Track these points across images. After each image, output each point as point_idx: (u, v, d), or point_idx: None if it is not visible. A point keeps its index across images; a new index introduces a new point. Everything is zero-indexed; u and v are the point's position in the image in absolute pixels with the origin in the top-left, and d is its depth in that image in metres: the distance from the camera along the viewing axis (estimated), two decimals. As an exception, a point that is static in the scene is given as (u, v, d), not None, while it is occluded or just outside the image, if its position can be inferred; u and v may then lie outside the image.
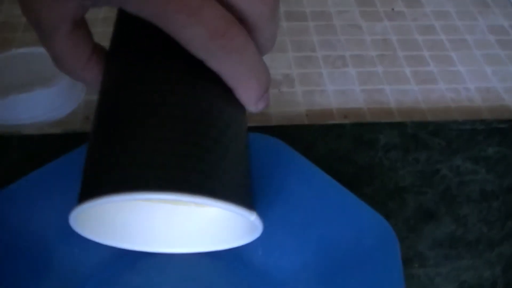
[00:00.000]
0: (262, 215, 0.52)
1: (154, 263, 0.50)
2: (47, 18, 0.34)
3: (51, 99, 0.67)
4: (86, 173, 0.40)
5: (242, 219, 0.41)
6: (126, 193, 0.35)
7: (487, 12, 0.87)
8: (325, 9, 0.86)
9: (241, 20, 0.34)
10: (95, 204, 0.37)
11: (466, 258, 0.54)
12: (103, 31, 0.50)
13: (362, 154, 0.63)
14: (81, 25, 0.36)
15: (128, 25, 0.40)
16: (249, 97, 0.38)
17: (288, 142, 0.56)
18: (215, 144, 0.40)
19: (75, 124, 0.67)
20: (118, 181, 0.36)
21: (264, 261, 0.51)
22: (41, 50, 0.70)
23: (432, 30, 0.84)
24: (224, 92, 0.40)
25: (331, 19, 0.84)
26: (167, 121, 0.37)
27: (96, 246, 0.49)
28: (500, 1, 0.90)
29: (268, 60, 0.76)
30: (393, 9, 0.87)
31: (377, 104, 0.71)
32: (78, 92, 0.70)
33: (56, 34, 0.35)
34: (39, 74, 0.68)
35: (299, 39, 0.81)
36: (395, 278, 0.46)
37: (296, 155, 0.54)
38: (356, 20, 0.84)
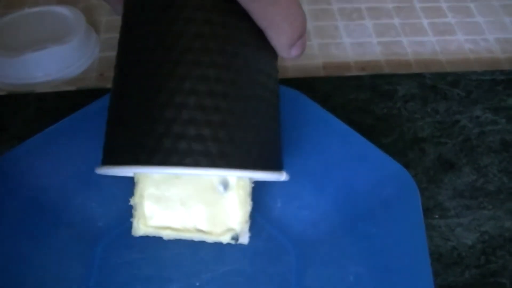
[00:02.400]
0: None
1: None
2: None
3: (65, 57, 0.67)
4: (119, 130, 0.40)
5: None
6: (173, 167, 0.38)
7: (506, -38, 0.86)
8: (340, -39, 0.84)
9: None
10: (140, 170, 0.40)
11: (487, 208, 0.54)
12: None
13: (380, 105, 0.62)
14: None
15: None
16: (281, 41, 0.37)
17: (305, 94, 0.55)
18: (243, 105, 0.40)
19: (89, 81, 0.66)
20: (166, 154, 0.38)
21: (283, 212, 0.51)
22: (53, 9, 0.70)
23: (450, -19, 0.82)
24: (255, 36, 0.40)
25: (346, -29, 0.83)
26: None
27: (113, 201, 0.50)
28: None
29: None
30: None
31: (394, 56, 0.70)
32: (91, 49, 0.69)
33: None
34: (52, 32, 0.68)
35: (314, -7, 0.79)
36: (416, 226, 0.46)
37: (315, 106, 0.53)
38: (372, -28, 0.83)
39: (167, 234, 0.45)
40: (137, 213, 0.46)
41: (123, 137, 0.40)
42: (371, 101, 0.62)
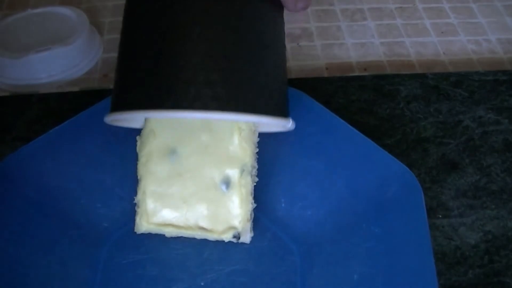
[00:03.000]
0: (284, 165, 0.52)
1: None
2: None
3: (69, 58, 0.67)
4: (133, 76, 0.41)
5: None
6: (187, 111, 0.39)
7: (507, -38, 0.86)
8: (342, -38, 0.84)
9: None
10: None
11: (490, 208, 0.54)
12: None
13: (383, 105, 0.62)
14: None
15: None
16: None
17: (308, 94, 0.55)
18: (250, 53, 0.41)
19: (93, 82, 0.67)
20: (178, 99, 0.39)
21: (287, 212, 0.51)
22: (56, 9, 0.70)
23: (452, -19, 0.82)
24: None
25: (348, -28, 0.83)
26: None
27: (118, 202, 0.50)
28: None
29: (286, 14, 0.75)
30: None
31: (397, 57, 0.70)
32: (95, 50, 0.70)
33: None
34: (56, 33, 0.68)
35: (317, -7, 0.80)
36: (420, 226, 0.46)
37: (318, 106, 0.53)
38: (374, -27, 0.83)
39: (169, 231, 0.46)
40: (139, 210, 0.46)
41: (134, 85, 0.41)
42: (374, 101, 0.62)
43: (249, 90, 0.41)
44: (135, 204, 0.48)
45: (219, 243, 0.49)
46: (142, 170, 0.47)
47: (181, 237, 0.49)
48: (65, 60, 0.66)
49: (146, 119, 0.48)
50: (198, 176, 0.46)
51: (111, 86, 0.64)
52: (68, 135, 0.53)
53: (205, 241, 0.49)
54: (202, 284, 0.47)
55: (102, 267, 0.48)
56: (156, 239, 0.50)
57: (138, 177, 0.47)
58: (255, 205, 0.49)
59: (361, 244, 0.47)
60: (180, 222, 0.46)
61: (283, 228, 0.50)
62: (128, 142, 0.49)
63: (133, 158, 0.48)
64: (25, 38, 0.68)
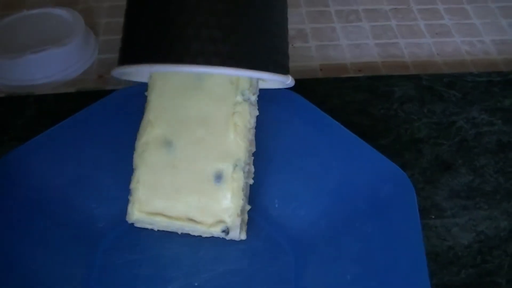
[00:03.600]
0: (278, 166, 0.53)
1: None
2: None
3: (64, 59, 0.67)
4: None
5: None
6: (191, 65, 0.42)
7: (502, -36, 0.86)
8: (338, -36, 0.85)
9: None
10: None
11: (483, 208, 0.54)
12: None
13: (378, 106, 0.62)
14: None
15: None
16: None
17: (303, 95, 0.55)
18: (252, 11, 0.44)
19: (89, 83, 0.67)
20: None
21: (281, 212, 0.51)
22: (52, 11, 0.70)
23: (446, -17, 0.83)
24: None
25: (343, -26, 0.83)
26: None
27: (113, 202, 0.50)
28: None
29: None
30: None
31: (391, 58, 0.71)
32: (91, 51, 0.70)
33: None
34: (51, 34, 0.68)
35: (312, -6, 0.80)
36: (413, 226, 0.46)
37: (312, 107, 0.54)
38: (369, -26, 0.83)
39: (159, 221, 0.46)
40: (132, 198, 0.47)
41: (140, 40, 0.44)
42: (368, 102, 0.63)
43: (251, 47, 0.43)
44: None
45: (214, 242, 0.49)
46: (137, 160, 0.48)
47: (176, 236, 0.49)
48: (61, 61, 0.67)
49: (146, 106, 0.49)
50: (191, 168, 0.47)
51: (107, 87, 0.65)
52: (64, 135, 0.53)
53: (200, 241, 0.49)
54: (196, 284, 0.47)
55: (97, 266, 0.48)
56: (151, 239, 0.50)
57: (134, 167, 0.48)
58: (249, 206, 0.50)
59: (354, 244, 0.47)
60: (171, 212, 0.46)
61: (277, 228, 0.51)
62: (124, 142, 0.49)
63: (129, 159, 0.48)
64: (21, 39, 0.68)
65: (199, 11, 0.41)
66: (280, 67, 0.46)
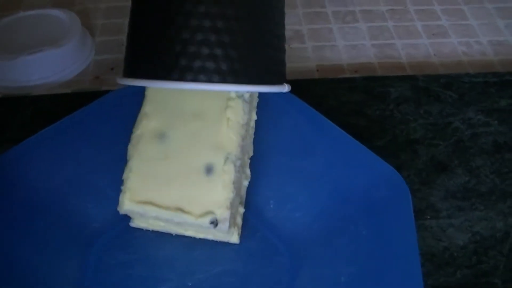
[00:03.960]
0: (273, 167, 0.53)
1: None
2: None
3: (60, 60, 0.67)
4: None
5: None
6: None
7: (499, -35, 0.86)
8: (335, -35, 0.85)
9: None
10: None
11: (479, 209, 0.54)
12: None
13: (373, 107, 0.62)
14: None
15: None
16: None
17: (299, 96, 0.55)
18: (252, 23, 0.44)
19: (85, 84, 0.67)
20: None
21: (276, 213, 0.51)
22: (48, 12, 0.70)
23: (444, -17, 0.82)
24: None
25: (340, -25, 0.83)
26: None
27: (108, 202, 0.50)
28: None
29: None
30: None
31: (388, 59, 0.71)
32: (87, 52, 0.70)
33: None
34: (48, 35, 0.68)
35: (309, -5, 0.80)
36: (407, 228, 0.46)
37: (308, 108, 0.54)
38: (366, -25, 0.83)
39: (149, 210, 0.46)
40: (124, 188, 0.47)
41: (144, 55, 0.44)
42: (364, 103, 0.63)
43: (249, 63, 0.44)
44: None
45: (209, 243, 0.49)
46: (131, 150, 0.48)
47: (170, 237, 0.50)
48: (57, 62, 0.67)
49: (144, 99, 0.50)
50: (184, 159, 0.47)
51: (103, 88, 0.64)
52: (60, 135, 0.53)
53: (194, 242, 0.49)
54: (189, 284, 0.47)
55: (92, 266, 0.48)
56: (146, 239, 0.50)
57: (128, 158, 0.48)
58: (243, 209, 0.50)
59: (349, 246, 0.47)
60: (161, 202, 0.46)
61: (272, 229, 0.51)
62: (120, 144, 0.49)
63: (125, 158, 0.48)
64: (18, 40, 0.68)
65: (200, 29, 0.42)
66: (277, 77, 0.47)
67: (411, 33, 0.74)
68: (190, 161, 0.47)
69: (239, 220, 0.50)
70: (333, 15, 0.77)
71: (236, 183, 0.47)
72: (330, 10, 0.77)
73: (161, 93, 0.49)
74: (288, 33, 0.72)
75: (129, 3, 0.74)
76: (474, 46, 0.73)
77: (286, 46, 0.66)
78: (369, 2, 0.79)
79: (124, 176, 0.47)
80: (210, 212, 0.46)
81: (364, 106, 0.62)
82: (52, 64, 0.66)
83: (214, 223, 0.46)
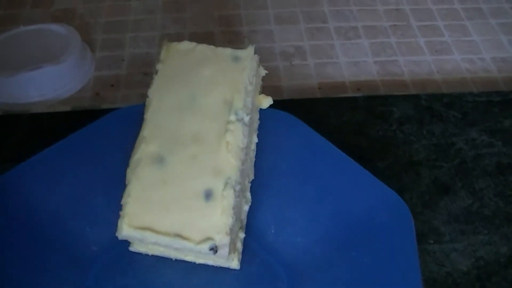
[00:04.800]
0: (274, 191, 0.52)
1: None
2: None
3: (60, 76, 0.66)
4: None
5: None
6: None
7: (502, -20, 0.85)
8: (337, -21, 0.84)
9: None
10: None
11: (483, 233, 0.53)
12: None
13: (376, 127, 0.62)
14: None
15: None
16: None
17: (300, 116, 0.55)
18: None
19: (85, 100, 0.66)
20: None
21: (277, 238, 0.51)
22: (49, 27, 0.70)
23: (447, -1, 0.82)
24: None
25: (343, -11, 0.83)
26: None
27: (107, 225, 0.49)
28: (517, -32, 0.88)
29: (279, 31, 0.75)
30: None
31: (390, 76, 0.70)
32: (87, 68, 0.69)
33: None
34: (48, 51, 0.68)
35: (310, 10, 0.79)
36: (409, 254, 0.46)
37: (309, 130, 0.53)
38: (369, -11, 0.83)
39: (148, 236, 0.46)
40: (122, 213, 0.46)
41: None
42: (367, 123, 0.62)
43: None
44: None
45: (208, 269, 0.49)
46: (130, 175, 0.47)
47: (169, 262, 0.49)
48: (56, 78, 0.66)
49: (143, 122, 0.49)
50: (182, 185, 0.46)
51: (103, 105, 0.64)
52: (58, 157, 0.53)
53: (193, 266, 0.49)
54: (189, 310, 0.47)
55: (90, 290, 0.48)
56: (145, 263, 0.50)
57: (126, 182, 0.47)
58: (244, 235, 0.50)
59: (349, 272, 0.47)
60: (159, 228, 0.46)
61: (272, 254, 0.50)
62: (120, 165, 0.49)
63: (124, 181, 0.48)
64: (17, 55, 0.68)
65: None
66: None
67: (414, 50, 0.74)
68: (189, 186, 0.46)
69: (239, 245, 0.49)
70: (335, 30, 0.76)
71: (236, 208, 0.47)
72: (332, 25, 0.77)
73: (159, 117, 0.49)
74: (290, 49, 0.72)
75: (128, 17, 0.74)
76: (477, 62, 0.73)
77: (288, 63, 0.66)
78: (371, 17, 0.78)
79: (123, 201, 0.47)
80: (209, 238, 0.45)
81: (366, 126, 0.62)
82: (52, 81, 0.66)
83: (214, 249, 0.45)
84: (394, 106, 0.64)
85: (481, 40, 0.76)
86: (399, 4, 0.80)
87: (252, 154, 0.52)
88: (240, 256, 0.49)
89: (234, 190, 0.46)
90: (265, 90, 0.54)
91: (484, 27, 0.78)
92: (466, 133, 0.62)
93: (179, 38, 0.71)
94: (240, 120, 0.48)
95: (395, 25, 0.77)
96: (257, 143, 0.52)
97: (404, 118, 0.63)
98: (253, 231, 0.51)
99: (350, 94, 0.67)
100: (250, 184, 0.52)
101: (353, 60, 0.72)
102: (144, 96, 0.50)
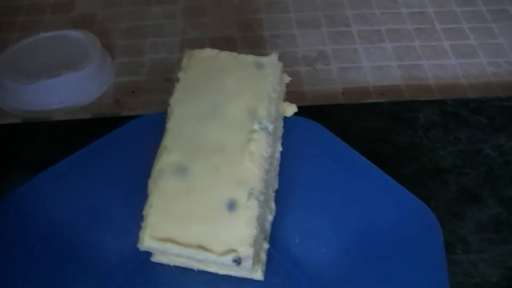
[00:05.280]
0: (298, 200, 0.51)
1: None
2: None
3: (80, 83, 0.66)
4: None
5: None
6: None
7: (529, -20, 0.84)
8: (359, -19, 0.83)
9: None
10: None
11: (512, 242, 0.52)
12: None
13: (401, 133, 0.61)
14: None
15: None
16: None
17: (324, 122, 0.54)
18: None
19: (105, 107, 0.66)
20: None
21: (301, 249, 0.50)
22: (68, 33, 0.69)
23: (471, 0, 0.80)
24: None
25: (365, -8, 0.81)
26: None
27: (127, 235, 0.49)
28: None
29: (301, 36, 0.74)
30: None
31: (415, 81, 0.69)
32: (107, 75, 0.69)
33: None
34: (67, 57, 0.68)
35: (333, 14, 0.78)
36: (438, 266, 0.45)
37: (333, 137, 0.52)
38: (392, -8, 0.82)
39: (169, 247, 0.45)
40: (143, 224, 0.46)
41: None
42: (392, 129, 0.61)
43: None
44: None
45: (231, 280, 0.48)
46: (151, 185, 0.47)
47: (192, 273, 0.48)
48: (76, 85, 0.66)
49: (164, 132, 0.49)
50: (205, 195, 0.46)
51: (124, 112, 0.64)
52: (78, 166, 0.53)
53: (216, 278, 0.48)
54: (212, 321, 0.46)
55: (110, 301, 0.47)
56: (166, 275, 0.49)
57: (148, 193, 0.47)
58: (268, 245, 0.49)
59: (376, 285, 0.46)
60: (182, 239, 0.45)
61: (296, 265, 0.49)
62: (141, 175, 0.48)
63: (144, 191, 0.47)
64: (37, 62, 0.67)
65: None
66: None
67: (438, 53, 0.73)
68: (211, 196, 0.46)
69: (263, 256, 0.48)
70: (358, 34, 0.75)
71: (260, 219, 0.46)
72: (355, 29, 0.76)
73: (181, 126, 0.48)
74: (312, 53, 0.71)
75: (148, 23, 0.74)
76: (503, 66, 0.71)
77: (311, 68, 0.65)
78: (395, 20, 0.77)
79: (144, 212, 0.46)
80: (232, 250, 0.44)
81: (391, 132, 0.61)
82: (72, 88, 0.66)
83: (237, 261, 0.44)
84: (419, 111, 0.63)
85: (507, 43, 0.75)
86: (422, 7, 0.79)
87: (276, 163, 0.51)
88: (264, 267, 0.48)
89: (258, 201, 0.45)
90: (287, 95, 0.53)
91: (510, 29, 0.77)
92: (494, 139, 0.60)
93: (199, 43, 0.71)
94: (263, 129, 0.47)
95: (419, 28, 0.76)
96: (281, 151, 0.52)
97: (430, 124, 0.62)
98: (277, 242, 0.50)
99: (374, 99, 0.66)
100: (274, 194, 0.51)
101: (376, 65, 0.71)
102: (165, 102, 0.50)
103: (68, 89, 0.66)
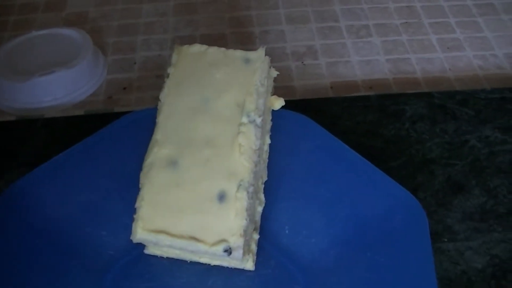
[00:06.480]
0: (287, 192, 0.52)
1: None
2: None
3: (73, 80, 0.67)
4: None
5: None
6: None
7: (514, -26, 0.85)
8: (347, -23, 0.84)
9: None
10: None
11: (497, 231, 0.53)
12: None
13: (389, 126, 0.62)
14: None
15: None
16: None
17: (313, 116, 0.55)
18: None
19: (98, 104, 0.67)
20: None
21: (291, 239, 0.51)
22: (61, 31, 0.70)
23: (458, -5, 0.82)
24: None
25: (353, -13, 0.82)
26: None
27: (123, 229, 0.50)
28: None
29: (290, 31, 0.75)
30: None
31: (402, 74, 0.70)
32: (99, 72, 0.70)
33: None
34: (60, 55, 0.68)
35: (321, 9, 0.79)
36: (424, 254, 0.46)
37: (322, 130, 0.53)
38: (379, -13, 0.83)
39: (162, 239, 0.46)
40: (136, 216, 0.47)
41: None
42: (380, 122, 0.62)
43: None
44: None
45: (223, 271, 0.49)
46: (143, 178, 0.48)
47: (185, 264, 0.49)
48: (69, 83, 0.67)
49: (155, 126, 0.50)
50: (195, 188, 0.47)
51: (116, 109, 0.64)
52: (73, 162, 0.53)
53: (209, 268, 0.49)
54: (205, 312, 0.47)
55: (106, 295, 0.48)
56: (161, 267, 0.50)
57: (139, 186, 0.48)
58: (258, 236, 0.50)
59: (366, 274, 0.47)
60: (174, 231, 0.46)
61: (287, 256, 0.50)
62: (134, 169, 0.49)
63: (139, 185, 0.48)
64: (30, 60, 0.68)
65: None
66: None
67: (425, 47, 0.74)
68: (202, 189, 0.46)
69: (253, 247, 0.49)
70: (347, 29, 0.76)
71: (250, 210, 0.47)
72: (343, 24, 0.77)
73: (172, 120, 0.49)
74: (301, 49, 0.72)
75: (139, 20, 0.74)
76: (489, 59, 0.72)
77: (300, 63, 0.66)
78: (382, 15, 0.78)
79: (137, 204, 0.47)
80: (223, 240, 0.45)
81: (379, 125, 0.62)
82: (65, 85, 0.67)
83: (228, 251, 0.45)
84: (406, 104, 0.64)
85: (493, 36, 0.76)
86: (410, 2, 0.80)
87: (265, 155, 0.52)
88: (255, 257, 0.49)
89: (248, 192, 0.46)
90: (277, 90, 0.54)
91: (496, 23, 0.78)
92: (480, 131, 0.61)
93: (191, 40, 0.72)
94: (252, 122, 0.48)
95: (406, 22, 0.77)
96: (270, 144, 0.53)
97: (417, 117, 0.63)
98: (267, 233, 0.51)
99: (362, 93, 0.67)
100: (263, 186, 0.52)
101: (365, 59, 0.72)
102: (157, 98, 0.50)
103: (61, 87, 0.66)
